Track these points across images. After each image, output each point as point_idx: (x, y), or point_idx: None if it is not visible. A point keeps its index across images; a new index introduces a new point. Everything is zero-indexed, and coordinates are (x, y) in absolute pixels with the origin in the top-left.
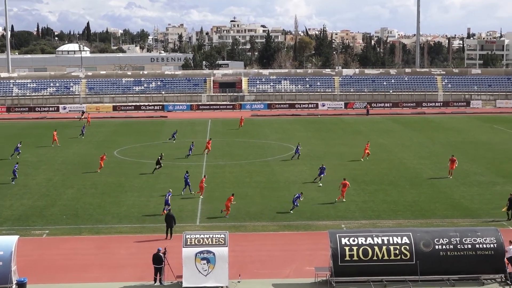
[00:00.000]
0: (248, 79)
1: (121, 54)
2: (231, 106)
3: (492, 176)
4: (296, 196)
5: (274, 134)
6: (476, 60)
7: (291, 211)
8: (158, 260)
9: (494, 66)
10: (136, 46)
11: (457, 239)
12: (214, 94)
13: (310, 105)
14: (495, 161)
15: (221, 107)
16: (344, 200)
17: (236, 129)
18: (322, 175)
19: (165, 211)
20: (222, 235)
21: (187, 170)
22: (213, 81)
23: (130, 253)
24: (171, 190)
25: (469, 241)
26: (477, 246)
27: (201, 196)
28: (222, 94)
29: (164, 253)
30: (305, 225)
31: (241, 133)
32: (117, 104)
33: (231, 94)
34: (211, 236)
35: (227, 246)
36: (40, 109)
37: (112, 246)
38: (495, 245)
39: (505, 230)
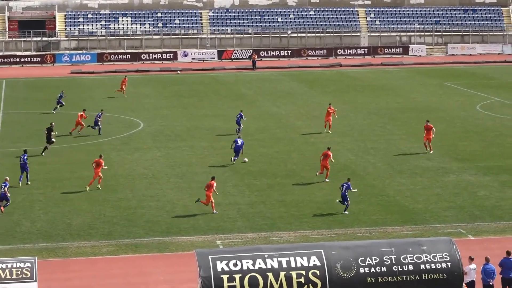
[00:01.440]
0: (65, 15)
1: None
2: (39, 59)
3: (443, 160)
4: (344, 186)
5: (108, 102)
6: None
7: (346, 212)
8: None
9: None
10: None
11: (393, 257)
12: (10, 39)
13: (164, 56)
14: (448, 137)
15: (22, 59)
16: (327, 180)
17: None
18: (240, 150)
19: (2, 208)
20: (28, 264)
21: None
22: (8, 18)
23: None
24: (8, 178)
25: (410, 259)
26: (422, 266)
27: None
28: (24, 39)
29: None
30: (159, 244)
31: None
32: None
33: (39, 39)
34: (8, 266)
35: (35, 281)
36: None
37: None
38: (449, 264)
39: (462, 241)
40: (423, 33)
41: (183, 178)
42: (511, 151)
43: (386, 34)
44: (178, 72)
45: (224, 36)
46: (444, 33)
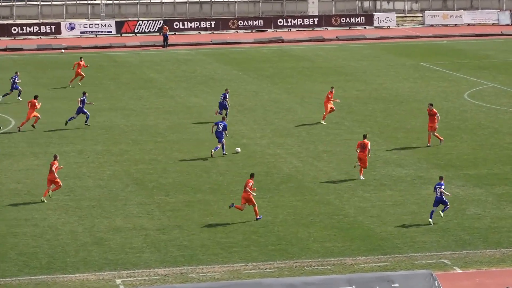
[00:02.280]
0: None
1: None
2: None
3: (421, 167)
4: (439, 186)
5: None
6: None
7: (441, 215)
8: None
9: None
10: None
11: None
12: None
13: (43, 29)
14: (426, 136)
15: None
16: (362, 178)
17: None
18: (223, 136)
19: None
20: None
21: None
22: None
23: None
24: None
25: None
26: None
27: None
28: None
29: None
30: (37, 284)
31: None
32: None
33: None
34: None
35: None
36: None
37: None
38: None
39: (447, 276)
40: None
41: (70, 195)
42: (510, 154)
43: None
44: (62, 51)
45: (124, 2)
46: None
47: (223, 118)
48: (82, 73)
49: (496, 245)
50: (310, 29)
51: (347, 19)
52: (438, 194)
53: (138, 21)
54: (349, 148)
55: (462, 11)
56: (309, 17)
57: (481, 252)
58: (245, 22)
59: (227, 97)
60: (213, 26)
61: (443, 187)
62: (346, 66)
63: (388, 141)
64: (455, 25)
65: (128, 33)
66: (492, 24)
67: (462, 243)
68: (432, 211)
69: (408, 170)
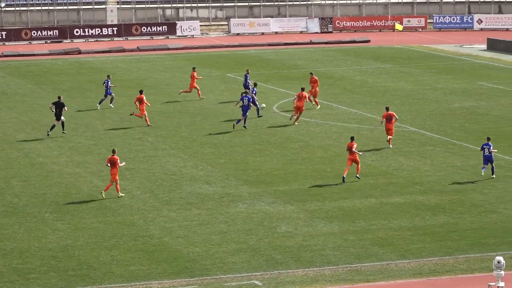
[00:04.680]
0: None
1: None
2: None
3: (229, 184)
4: (487, 147)
5: None
6: None
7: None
8: None
9: None
10: None
11: None
12: None
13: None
14: (233, 150)
15: None
16: (358, 177)
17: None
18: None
19: None
20: None
21: None
22: None
23: None
24: None
25: None
26: None
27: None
28: None
29: None
30: None
31: None
32: None
33: None
34: None
35: None
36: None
37: None
38: None
39: None
40: (195, 4)
41: None
42: (321, 168)
43: (143, 6)
44: None
45: None
46: (225, 4)
47: (246, 93)
48: (195, 85)
49: (309, 264)
50: (109, 39)
51: (148, 28)
52: (487, 153)
53: None
54: (152, 165)
55: (270, 18)
56: (107, 26)
57: (293, 271)
58: (39, 32)
59: (248, 77)
60: (4, 37)
61: (491, 147)
62: (148, 78)
63: (195, 157)
64: (263, 33)
65: None
66: (301, 32)
67: (273, 262)
68: (483, 167)
69: (215, 187)
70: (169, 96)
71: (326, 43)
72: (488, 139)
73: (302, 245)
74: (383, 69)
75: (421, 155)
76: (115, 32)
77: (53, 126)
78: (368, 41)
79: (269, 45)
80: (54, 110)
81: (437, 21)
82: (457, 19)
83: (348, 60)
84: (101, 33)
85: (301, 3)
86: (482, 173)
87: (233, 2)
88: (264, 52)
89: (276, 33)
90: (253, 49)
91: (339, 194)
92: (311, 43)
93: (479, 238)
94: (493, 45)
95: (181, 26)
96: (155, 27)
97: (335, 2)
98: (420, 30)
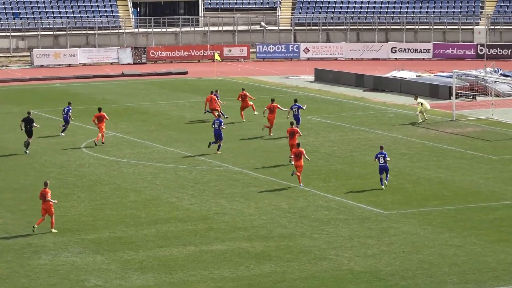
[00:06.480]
0: None
1: None
2: None
3: (25, 230)
4: (382, 155)
5: None
6: None
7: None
8: None
9: None
10: None
11: None
12: None
13: None
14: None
15: None
16: (301, 185)
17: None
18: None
19: None
20: None
21: None
22: None
23: None
24: None
25: None
26: None
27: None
28: None
29: None
30: None
31: None
32: None
33: None
34: None
35: None
36: None
37: None
38: None
39: None
40: None
41: None
42: (134, 213)
43: None
44: None
45: None
46: (27, 33)
47: (219, 116)
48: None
49: None
50: None
51: None
52: (382, 162)
53: None
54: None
55: (77, 49)
56: None
57: None
58: None
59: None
60: None
61: (386, 156)
62: None
63: None
64: (69, 65)
65: None
66: (112, 63)
67: None
68: (381, 178)
69: (15, 237)
70: None
71: (140, 75)
72: (381, 147)
73: None
74: (202, 103)
75: (244, 197)
76: None
77: (28, 143)
78: (185, 73)
79: (77, 78)
80: (23, 128)
81: (261, 50)
82: (282, 48)
83: (164, 94)
84: None
85: (112, 31)
86: (383, 187)
87: (36, 31)
88: (71, 86)
89: (84, 64)
90: (59, 83)
91: (155, 242)
92: (123, 75)
93: None
94: (321, 76)
95: None
96: None
97: (149, 30)
98: (243, 60)
